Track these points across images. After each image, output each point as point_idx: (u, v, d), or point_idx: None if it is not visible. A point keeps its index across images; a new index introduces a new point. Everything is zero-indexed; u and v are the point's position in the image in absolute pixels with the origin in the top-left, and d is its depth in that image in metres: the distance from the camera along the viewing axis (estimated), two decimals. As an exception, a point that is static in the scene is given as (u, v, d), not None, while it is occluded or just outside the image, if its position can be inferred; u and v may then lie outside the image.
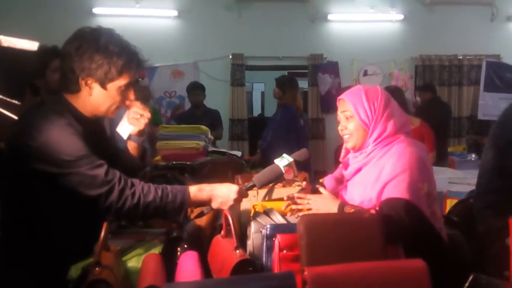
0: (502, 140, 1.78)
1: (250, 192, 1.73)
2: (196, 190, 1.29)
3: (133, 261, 1.20)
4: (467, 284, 1.08)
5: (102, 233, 1.02)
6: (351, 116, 1.41)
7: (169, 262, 1.18)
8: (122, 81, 1.28)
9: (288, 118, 3.39)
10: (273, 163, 1.41)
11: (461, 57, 5.96)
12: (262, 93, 10.53)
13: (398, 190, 1.24)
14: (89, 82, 1.25)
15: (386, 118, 1.37)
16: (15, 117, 1.05)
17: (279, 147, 3.37)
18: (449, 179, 3.37)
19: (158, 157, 2.63)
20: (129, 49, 1.29)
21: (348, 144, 1.44)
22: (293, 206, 1.40)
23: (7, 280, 1.22)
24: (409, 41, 5.92)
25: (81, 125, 1.27)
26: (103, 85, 1.26)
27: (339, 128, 1.46)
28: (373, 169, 1.34)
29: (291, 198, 1.37)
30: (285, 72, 6.04)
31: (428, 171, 1.32)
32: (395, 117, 1.39)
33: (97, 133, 1.43)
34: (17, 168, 1.20)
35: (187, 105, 5.52)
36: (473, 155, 4.46)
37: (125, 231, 1.40)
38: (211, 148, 2.74)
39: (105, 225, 1.04)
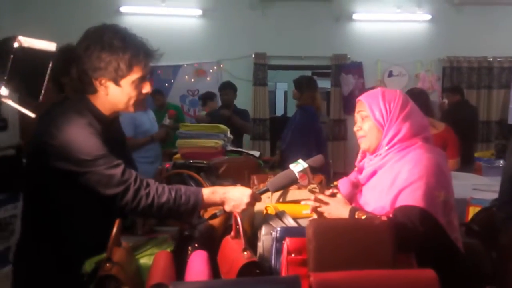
0: None
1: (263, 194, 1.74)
2: (210, 193, 1.30)
3: (145, 258, 1.22)
4: (480, 296, 1.05)
5: (114, 230, 1.05)
6: (367, 116, 1.39)
7: (179, 261, 1.19)
8: (134, 75, 1.27)
9: (307, 119, 3.36)
10: (288, 167, 1.41)
11: (491, 59, 5.76)
12: (285, 93, 10.48)
13: (413, 197, 1.21)
14: (103, 81, 1.27)
15: (402, 120, 1.34)
16: (33, 115, 1.07)
17: (297, 149, 3.37)
18: (473, 186, 3.26)
19: (177, 155, 2.67)
20: (135, 42, 1.27)
21: (362, 145, 1.42)
22: (310, 203, 1.38)
23: (26, 271, 1.28)
24: (437, 41, 5.77)
25: (101, 124, 1.30)
26: (116, 82, 1.27)
27: (355, 128, 1.44)
28: (389, 173, 1.31)
29: (318, 200, 1.36)
30: (308, 72, 6.00)
31: (446, 179, 1.28)
32: (412, 120, 1.36)
33: (116, 134, 1.46)
34: (38, 165, 1.25)
35: (211, 104, 5.58)
36: (501, 161, 4.30)
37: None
38: (229, 148, 2.75)
39: (117, 222, 1.07)
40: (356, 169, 1.49)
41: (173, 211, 1.26)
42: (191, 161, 2.13)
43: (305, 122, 3.36)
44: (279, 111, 10.25)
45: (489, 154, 4.80)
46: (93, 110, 1.30)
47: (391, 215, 1.22)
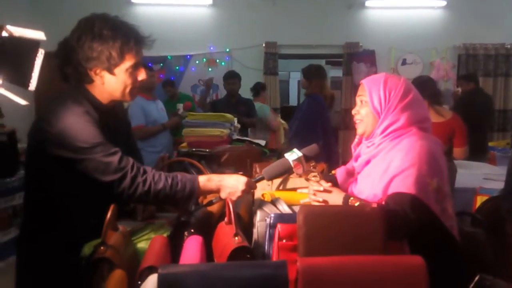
0: None
1: (264, 182, 1.75)
2: (205, 180, 1.32)
3: (143, 243, 1.25)
4: (472, 285, 1.05)
5: (109, 215, 1.08)
6: (366, 101, 1.38)
7: (176, 245, 1.22)
8: (127, 63, 1.29)
9: (314, 108, 3.34)
10: (284, 156, 1.42)
11: (508, 46, 5.60)
12: (299, 82, 10.41)
13: (405, 184, 1.20)
14: (97, 71, 1.29)
15: (400, 110, 1.33)
16: (25, 103, 1.10)
17: (304, 137, 3.36)
18: (485, 175, 3.22)
19: (184, 144, 2.70)
20: (124, 29, 1.28)
21: (358, 129, 1.42)
22: (311, 197, 1.39)
23: (28, 255, 1.32)
24: (452, 28, 5.62)
25: (99, 113, 1.32)
26: (110, 71, 1.29)
27: (353, 111, 1.44)
28: (382, 162, 1.30)
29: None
30: (322, 61, 5.93)
31: (439, 166, 1.26)
32: (412, 110, 1.34)
33: (118, 122, 1.48)
34: (38, 153, 1.28)
35: (222, 93, 5.60)
36: (516, 150, 4.21)
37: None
38: (235, 136, 2.77)
39: (112, 207, 1.10)
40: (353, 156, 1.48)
41: (169, 198, 1.28)
42: (193, 149, 2.15)
43: (312, 110, 3.34)
44: (293, 101, 10.19)
45: (504, 143, 4.69)
46: (91, 99, 1.33)
47: (383, 203, 1.22)
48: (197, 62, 5.73)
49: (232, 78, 4.35)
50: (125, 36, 1.28)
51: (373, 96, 1.36)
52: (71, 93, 1.32)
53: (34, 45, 0.96)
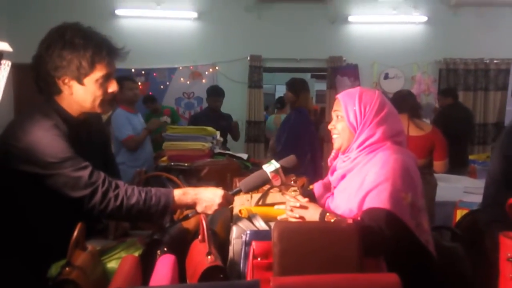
0: (510, 149, 1.68)
1: (243, 196, 1.72)
2: (181, 194, 1.29)
3: (113, 262, 1.20)
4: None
5: (75, 233, 1.03)
6: (342, 116, 1.38)
7: (148, 265, 1.18)
8: (97, 73, 1.26)
9: (302, 121, 3.36)
10: (262, 168, 1.40)
11: (487, 61, 5.73)
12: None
13: (379, 199, 1.19)
14: (66, 81, 1.26)
15: (375, 124, 1.32)
16: None
17: (292, 151, 3.33)
18: (465, 188, 3.25)
19: (164, 158, 2.66)
20: (96, 39, 1.26)
21: (335, 144, 1.42)
22: (288, 213, 1.37)
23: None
24: (433, 43, 5.74)
25: (69, 126, 1.28)
26: (79, 81, 1.25)
27: (329, 126, 1.43)
28: (357, 176, 1.30)
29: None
30: (307, 75, 5.97)
31: (413, 180, 1.26)
32: (387, 124, 1.33)
33: (91, 135, 1.44)
34: (5, 168, 1.23)
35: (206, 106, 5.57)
36: (496, 164, 4.26)
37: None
38: (217, 150, 2.74)
39: (79, 225, 1.05)
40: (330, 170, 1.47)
41: (143, 213, 1.24)
42: (172, 163, 2.11)
43: (300, 124, 3.36)
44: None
45: (484, 156, 4.76)
46: (60, 111, 1.29)
47: (359, 218, 1.20)
48: (181, 75, 5.72)
49: (218, 96, 4.27)
50: (97, 46, 1.25)
51: (349, 111, 1.35)
52: (40, 107, 1.29)
53: (-1, 56, 0.93)
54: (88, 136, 1.42)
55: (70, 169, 1.19)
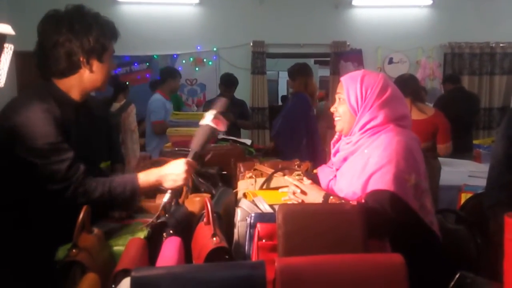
0: None
1: (248, 180, 1.73)
2: (145, 175, 1.30)
3: (119, 245, 1.22)
4: (452, 283, 1.03)
5: (80, 216, 1.04)
6: (343, 99, 1.37)
7: (154, 247, 1.19)
8: (111, 50, 1.35)
9: (299, 106, 3.30)
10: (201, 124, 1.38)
11: (493, 44, 5.65)
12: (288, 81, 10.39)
13: (383, 181, 1.19)
14: (91, 60, 1.30)
15: (377, 107, 1.31)
16: None
17: (287, 136, 3.33)
18: (470, 173, 3.23)
19: (168, 144, 2.66)
20: (103, 17, 1.34)
21: (336, 127, 1.41)
22: (290, 196, 1.37)
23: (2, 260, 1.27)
24: (438, 27, 5.66)
25: (65, 110, 1.29)
26: (100, 59, 1.32)
27: (331, 109, 1.42)
28: (360, 159, 1.29)
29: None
30: (310, 60, 5.91)
31: (416, 162, 1.25)
32: (390, 107, 1.32)
33: (91, 118, 1.44)
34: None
35: (209, 93, 5.56)
36: (501, 148, 4.24)
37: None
38: (221, 136, 2.73)
39: (84, 208, 1.06)
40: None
41: (111, 202, 1.27)
42: (176, 149, 2.12)
43: (296, 109, 3.30)
44: (282, 100, 10.18)
45: (489, 141, 4.73)
46: (58, 94, 1.30)
47: (363, 200, 1.20)
48: (184, 61, 5.68)
49: (227, 87, 4.26)
50: (107, 24, 1.33)
51: (350, 93, 1.34)
52: (35, 90, 1.30)
53: (1, 39, 0.92)
54: (91, 121, 1.43)
55: (50, 159, 1.20)
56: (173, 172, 1.28)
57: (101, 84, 1.37)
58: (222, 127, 1.33)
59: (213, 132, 1.35)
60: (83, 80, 1.33)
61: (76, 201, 1.22)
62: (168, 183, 1.29)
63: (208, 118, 1.33)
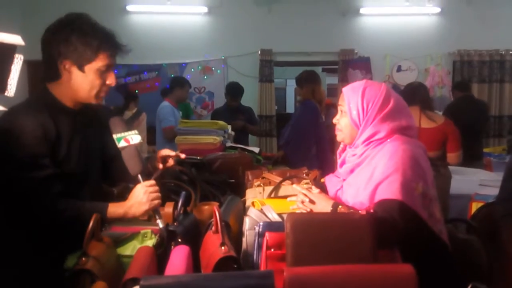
0: None
1: (256, 189, 1.73)
2: (114, 207, 1.29)
3: (128, 253, 1.22)
4: (464, 293, 1.02)
5: (90, 224, 1.05)
6: (345, 111, 1.36)
7: (162, 256, 1.19)
8: (99, 63, 1.28)
9: (307, 114, 3.29)
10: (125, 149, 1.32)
11: (503, 52, 5.61)
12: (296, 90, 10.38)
13: (390, 190, 1.18)
14: (67, 66, 1.27)
15: (379, 121, 1.30)
16: (1, 108, 1.08)
17: (296, 144, 3.32)
18: (480, 181, 3.20)
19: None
20: (103, 30, 1.29)
21: (338, 138, 1.41)
22: (298, 204, 1.36)
23: (11, 269, 1.28)
24: (447, 35, 5.64)
25: (59, 119, 1.29)
26: (80, 68, 1.27)
27: (334, 120, 1.42)
28: (366, 169, 1.28)
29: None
30: (318, 69, 5.91)
31: (423, 170, 1.24)
32: (392, 120, 1.30)
33: (90, 129, 1.42)
34: None
35: (217, 101, 5.59)
36: (512, 156, 4.19)
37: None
38: (229, 144, 2.74)
39: (94, 216, 1.07)
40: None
41: (78, 227, 1.18)
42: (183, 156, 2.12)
43: (304, 117, 3.30)
44: (290, 108, 10.16)
45: (500, 149, 4.68)
46: (52, 102, 1.30)
47: (371, 210, 1.19)
48: (192, 70, 5.73)
49: (232, 96, 4.25)
50: (104, 36, 1.28)
51: (352, 107, 1.33)
52: (32, 99, 1.31)
53: (10, 49, 0.94)
54: (93, 131, 1.42)
55: (25, 174, 1.19)
56: (136, 200, 1.27)
57: (85, 95, 1.31)
58: (134, 140, 1.30)
59: (136, 148, 1.31)
60: (69, 87, 1.30)
61: (41, 220, 1.22)
62: (137, 212, 1.27)
63: (135, 139, 1.30)
